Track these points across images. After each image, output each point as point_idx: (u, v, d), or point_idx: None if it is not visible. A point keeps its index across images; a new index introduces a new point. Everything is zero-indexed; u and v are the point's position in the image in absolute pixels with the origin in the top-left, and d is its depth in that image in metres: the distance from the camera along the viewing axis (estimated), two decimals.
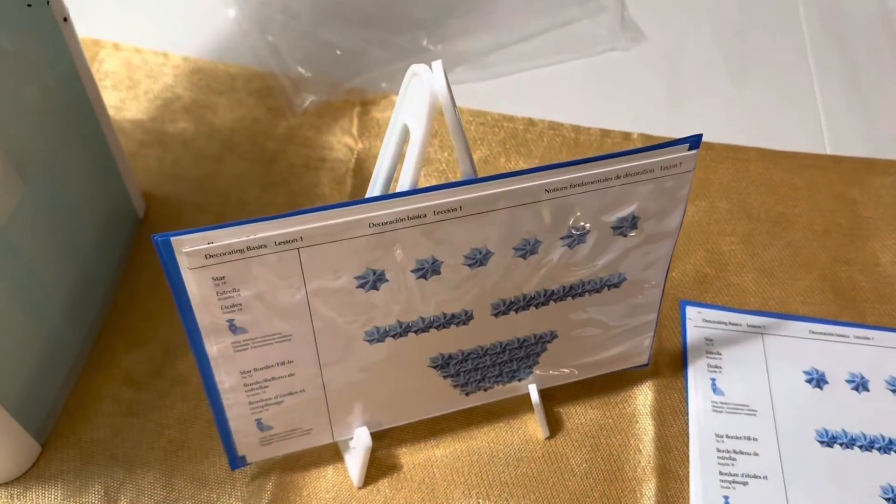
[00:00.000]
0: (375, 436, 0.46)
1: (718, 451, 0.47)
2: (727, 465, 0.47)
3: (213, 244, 0.34)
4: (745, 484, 0.46)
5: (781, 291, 0.55)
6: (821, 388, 0.50)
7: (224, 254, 0.34)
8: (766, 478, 0.47)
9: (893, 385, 0.50)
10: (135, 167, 0.58)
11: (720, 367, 0.51)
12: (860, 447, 0.48)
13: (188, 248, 0.34)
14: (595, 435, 0.48)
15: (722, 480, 0.46)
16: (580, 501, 0.45)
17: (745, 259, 0.56)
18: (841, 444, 0.48)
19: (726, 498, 0.46)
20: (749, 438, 0.48)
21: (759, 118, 0.66)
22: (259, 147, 0.60)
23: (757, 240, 0.57)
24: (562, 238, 0.40)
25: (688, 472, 0.46)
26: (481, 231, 0.38)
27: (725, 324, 0.53)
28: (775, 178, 0.61)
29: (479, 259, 0.39)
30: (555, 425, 0.48)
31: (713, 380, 0.50)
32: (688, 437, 0.48)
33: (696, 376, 0.50)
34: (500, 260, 0.39)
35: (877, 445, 0.48)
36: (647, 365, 0.49)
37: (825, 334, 0.53)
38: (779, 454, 0.47)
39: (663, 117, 0.65)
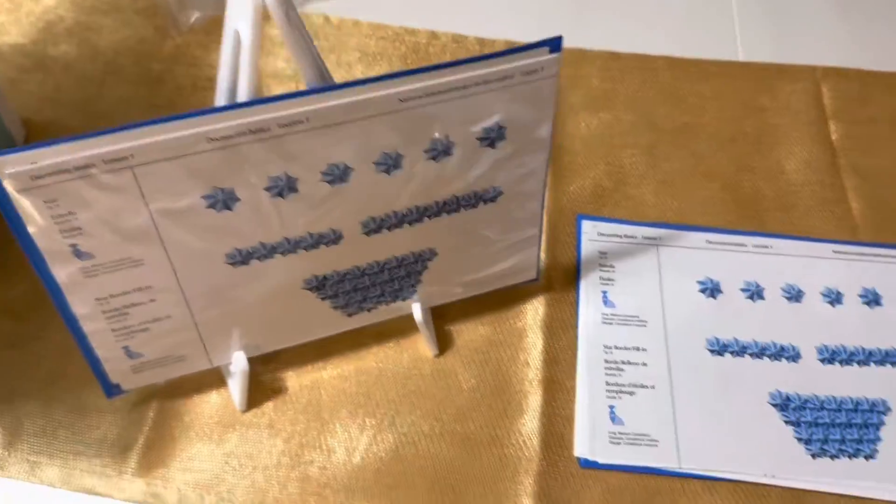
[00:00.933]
0: (262, 360, 0.45)
1: (606, 361, 0.48)
2: (614, 375, 0.47)
3: (38, 164, 0.32)
4: (631, 393, 0.47)
5: (681, 202, 0.54)
6: (714, 297, 0.50)
7: (51, 174, 0.32)
8: (653, 387, 0.47)
9: (789, 292, 0.51)
10: (14, 93, 0.55)
11: (613, 280, 0.51)
12: (751, 355, 0.48)
13: (11, 169, 0.32)
14: (485, 350, 0.48)
15: (608, 390, 0.47)
16: (466, 415, 0.45)
17: (647, 171, 0.55)
18: (732, 353, 0.48)
19: (612, 407, 0.46)
20: (638, 349, 0.48)
21: (672, 25, 0.64)
22: (144, 68, 0.57)
23: (660, 151, 0.56)
24: (425, 151, 0.38)
25: (575, 384, 0.47)
26: (336, 145, 0.36)
27: (621, 237, 0.53)
28: (683, 87, 0.59)
29: (338, 175, 0.37)
30: (445, 343, 0.48)
31: (605, 292, 0.50)
32: (577, 350, 0.48)
33: (588, 289, 0.50)
34: (362, 176, 0.38)
35: (768, 352, 0.48)
36: (536, 280, 0.49)
37: (722, 244, 0.52)
38: (667, 364, 0.48)
39: (572, 27, 0.63)
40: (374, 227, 0.40)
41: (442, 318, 0.49)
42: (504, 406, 0.46)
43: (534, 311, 0.49)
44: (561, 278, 0.51)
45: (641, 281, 0.51)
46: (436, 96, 0.36)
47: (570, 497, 0.43)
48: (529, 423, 0.45)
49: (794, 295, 0.50)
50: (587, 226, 0.53)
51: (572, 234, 0.52)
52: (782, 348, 0.48)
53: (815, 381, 0.47)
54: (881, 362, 0.48)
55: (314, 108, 0.34)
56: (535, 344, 0.48)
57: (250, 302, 0.41)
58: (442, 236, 0.43)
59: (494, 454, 0.44)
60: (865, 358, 0.48)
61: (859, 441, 0.46)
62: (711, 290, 0.50)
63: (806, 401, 0.47)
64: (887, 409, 0.47)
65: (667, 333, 0.49)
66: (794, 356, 0.48)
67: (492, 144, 0.39)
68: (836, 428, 0.46)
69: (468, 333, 0.48)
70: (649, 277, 0.51)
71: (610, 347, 0.48)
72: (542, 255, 0.51)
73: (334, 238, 0.40)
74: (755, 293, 0.50)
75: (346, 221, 0.40)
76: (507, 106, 0.38)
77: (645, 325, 0.49)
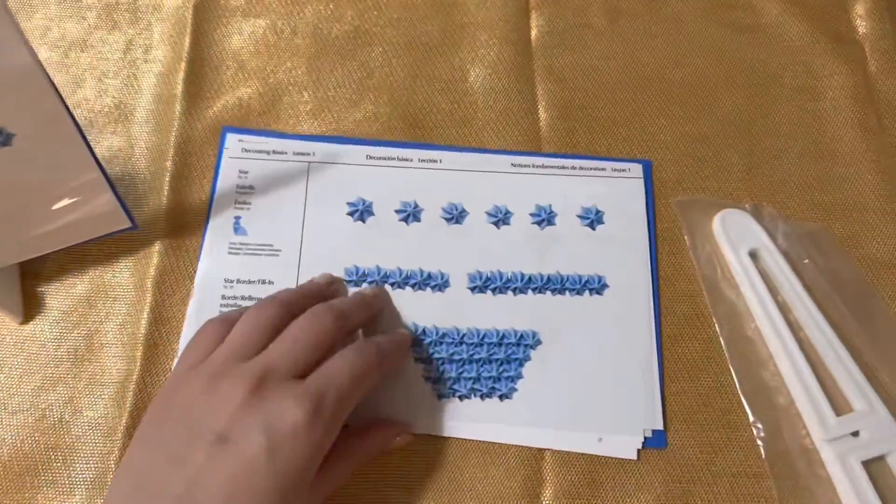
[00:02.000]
0: None
1: (223, 297, 0.41)
2: None
3: None
4: None
5: (343, 123, 0.46)
6: (364, 220, 0.44)
7: None
8: None
9: (451, 213, 0.44)
10: None
11: (249, 204, 0.44)
12: (393, 285, 0.42)
13: None
14: (81, 312, 0.41)
15: None
16: (48, 388, 0.39)
17: (307, 87, 0.47)
18: (371, 283, 0.42)
19: None
20: (264, 282, 0.42)
21: None
22: None
23: (324, 63, 0.48)
24: None
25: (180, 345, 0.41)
26: None
27: (268, 153, 0.45)
28: None
29: None
30: (34, 306, 0.41)
31: (237, 218, 0.43)
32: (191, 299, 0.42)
33: (219, 216, 0.43)
34: None
35: (412, 281, 0.42)
36: (134, 227, 0.41)
37: (385, 159, 0.45)
38: None
39: None
40: None
41: (35, 277, 0.42)
42: (96, 375, 0.40)
43: (144, 264, 0.42)
44: (189, 222, 0.43)
45: (283, 203, 0.44)
46: None
47: None
48: (120, 394, 0.39)
49: (456, 216, 0.44)
50: (231, 140, 0.45)
51: (209, 168, 0.45)
52: (429, 276, 0.42)
53: (461, 312, 0.42)
54: (540, 290, 0.43)
55: None
56: (141, 301, 0.42)
57: None
58: None
59: (77, 431, 0.39)
60: (523, 285, 0.43)
61: (497, 379, 0.41)
62: (362, 212, 0.44)
63: (444, 335, 0.41)
64: (537, 342, 0.41)
65: (300, 263, 0.42)
66: (443, 285, 0.42)
67: None
68: (472, 365, 0.41)
69: (63, 294, 0.42)
70: (293, 199, 0.44)
71: (232, 281, 0.42)
72: (165, 195, 0.44)
73: None
74: (411, 214, 0.44)
75: None
76: None
77: (278, 255, 0.42)
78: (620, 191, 0.45)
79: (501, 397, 0.40)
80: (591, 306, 0.42)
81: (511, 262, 0.43)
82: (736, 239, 0.44)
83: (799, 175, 0.46)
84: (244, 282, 0.42)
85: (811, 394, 0.41)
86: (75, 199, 0.38)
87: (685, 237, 0.44)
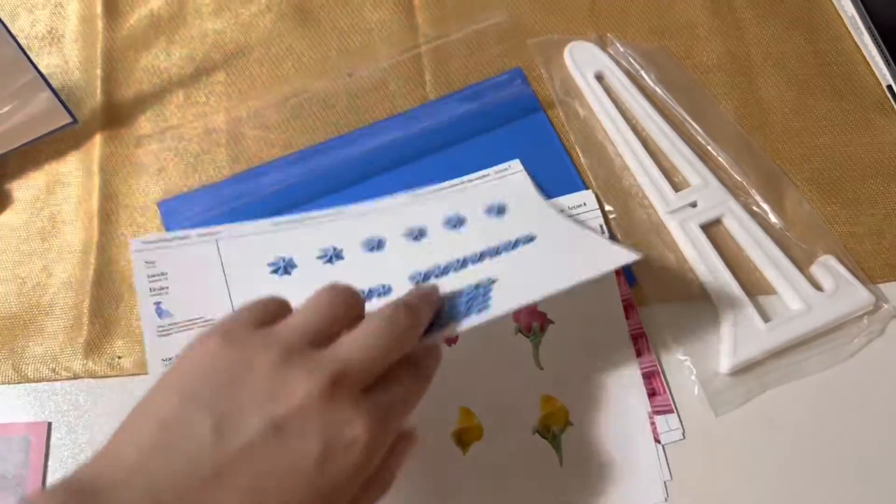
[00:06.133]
0: None
1: None
2: None
3: None
4: None
5: (240, 15, 0.54)
6: (289, 273, 0.46)
7: None
8: None
9: (370, 246, 0.46)
10: None
11: (166, 288, 0.45)
12: None
13: None
14: (43, 199, 0.49)
15: None
16: (27, 259, 0.48)
17: None
18: None
19: None
20: None
21: None
22: None
23: None
24: None
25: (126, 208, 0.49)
26: None
27: (169, 240, 0.47)
28: None
29: None
30: (5, 201, 0.49)
31: (158, 303, 0.45)
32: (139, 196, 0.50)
33: (143, 305, 0.45)
34: None
35: None
36: (75, 122, 0.49)
37: (291, 223, 0.47)
38: None
39: None
40: None
41: (1, 178, 0.50)
42: (63, 247, 0.48)
43: (89, 153, 0.50)
44: (120, 115, 0.51)
45: (201, 280, 0.45)
46: None
47: None
48: (84, 257, 0.48)
49: (375, 244, 0.46)
50: (137, 245, 0.46)
51: (132, 71, 0.53)
52: (370, 291, 0.44)
53: None
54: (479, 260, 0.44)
55: None
56: (90, 183, 0.50)
57: None
58: None
59: (53, 290, 0.47)
60: (459, 266, 0.44)
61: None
62: (284, 267, 0.46)
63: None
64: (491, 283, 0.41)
65: None
66: (384, 292, 0.44)
67: None
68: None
69: (26, 188, 0.50)
70: (211, 274, 0.46)
71: (168, 359, 0.44)
72: (99, 98, 0.52)
73: None
74: (334, 255, 0.46)
75: None
76: None
77: (211, 323, 0.42)
78: (510, 190, 0.48)
79: None
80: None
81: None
82: (583, 66, 0.52)
83: (637, 6, 0.54)
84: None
85: (653, 177, 0.49)
86: (16, 102, 0.46)
87: (542, 72, 0.52)
